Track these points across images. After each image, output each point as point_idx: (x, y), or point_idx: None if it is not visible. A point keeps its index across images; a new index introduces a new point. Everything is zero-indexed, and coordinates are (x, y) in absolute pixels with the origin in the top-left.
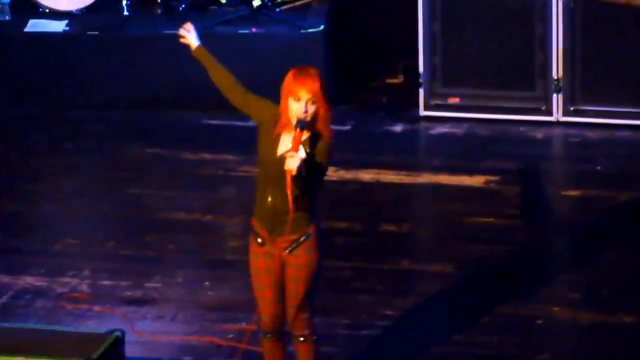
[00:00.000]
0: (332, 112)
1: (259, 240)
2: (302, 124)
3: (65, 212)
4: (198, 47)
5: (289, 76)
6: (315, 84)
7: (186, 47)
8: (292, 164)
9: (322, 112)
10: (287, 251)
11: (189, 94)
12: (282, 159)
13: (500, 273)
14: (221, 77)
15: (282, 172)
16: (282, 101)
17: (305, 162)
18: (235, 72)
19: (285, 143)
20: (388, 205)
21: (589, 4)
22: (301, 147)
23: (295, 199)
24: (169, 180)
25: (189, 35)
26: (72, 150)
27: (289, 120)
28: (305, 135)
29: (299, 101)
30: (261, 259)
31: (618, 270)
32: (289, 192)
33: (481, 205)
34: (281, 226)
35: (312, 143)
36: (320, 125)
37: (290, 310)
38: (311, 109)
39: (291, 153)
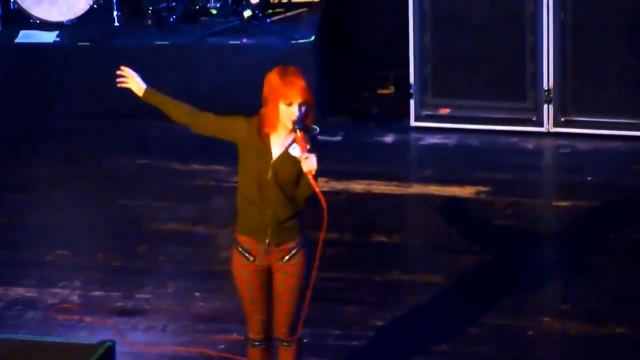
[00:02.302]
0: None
1: (250, 257)
2: (300, 125)
3: (56, 223)
4: (147, 90)
5: (275, 79)
6: (303, 85)
7: (190, 59)
8: (311, 164)
9: (310, 110)
10: (284, 260)
11: None
12: (279, 161)
13: (491, 284)
14: (183, 113)
15: (280, 175)
16: (270, 103)
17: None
18: (225, 82)
19: (276, 145)
20: (379, 216)
21: (579, 14)
22: (308, 145)
23: (294, 203)
24: (159, 191)
25: (130, 80)
26: (62, 160)
27: (277, 121)
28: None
29: (291, 105)
30: (254, 274)
31: (609, 280)
32: (316, 189)
33: (472, 216)
34: (281, 234)
35: (310, 139)
36: (309, 121)
37: (283, 318)
38: (302, 110)
39: (305, 155)
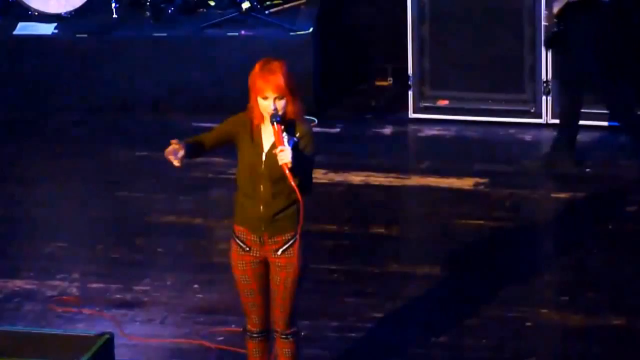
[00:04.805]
0: (301, 101)
1: (245, 247)
2: (277, 118)
3: (55, 216)
4: (185, 146)
5: (255, 72)
6: (279, 81)
7: (189, 51)
8: (285, 157)
9: (290, 104)
10: (278, 252)
11: (178, 97)
12: (272, 153)
13: (489, 275)
14: (205, 146)
15: (273, 167)
16: (251, 96)
17: (295, 148)
18: (223, 75)
19: (266, 135)
20: (377, 208)
21: None
22: (286, 137)
23: (290, 192)
24: (158, 183)
25: (175, 154)
26: (61, 153)
27: (259, 114)
28: (282, 126)
29: (267, 99)
30: (249, 266)
31: (607, 272)
32: (292, 183)
33: (470, 207)
34: (276, 226)
35: (292, 130)
36: (293, 115)
37: (279, 311)
38: (280, 104)
39: (280, 148)
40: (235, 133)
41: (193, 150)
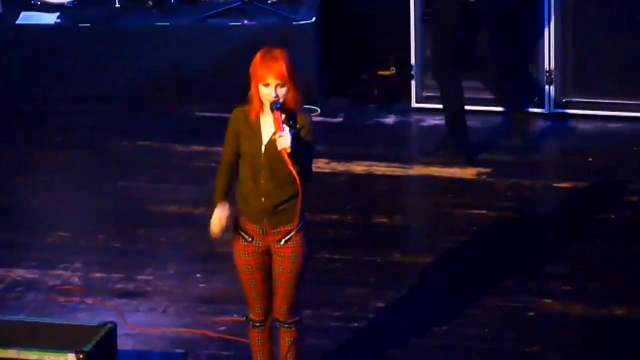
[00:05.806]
0: (300, 91)
1: (248, 238)
2: (277, 105)
3: (57, 205)
4: (224, 203)
5: (257, 60)
6: (281, 68)
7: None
8: (284, 141)
9: (291, 92)
10: (281, 242)
11: (181, 86)
12: (271, 143)
13: (492, 265)
14: (233, 167)
15: (273, 158)
16: (252, 84)
17: (295, 137)
18: (226, 63)
19: (266, 126)
20: (379, 198)
21: None
22: (286, 128)
23: (292, 183)
24: (160, 173)
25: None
26: (63, 143)
27: (259, 102)
28: (283, 115)
29: (268, 86)
30: (251, 256)
31: (609, 262)
32: (292, 169)
33: (473, 197)
34: (278, 217)
35: (292, 119)
36: (292, 104)
37: (281, 300)
38: (281, 91)
39: (279, 133)
40: (239, 131)
41: (230, 189)
